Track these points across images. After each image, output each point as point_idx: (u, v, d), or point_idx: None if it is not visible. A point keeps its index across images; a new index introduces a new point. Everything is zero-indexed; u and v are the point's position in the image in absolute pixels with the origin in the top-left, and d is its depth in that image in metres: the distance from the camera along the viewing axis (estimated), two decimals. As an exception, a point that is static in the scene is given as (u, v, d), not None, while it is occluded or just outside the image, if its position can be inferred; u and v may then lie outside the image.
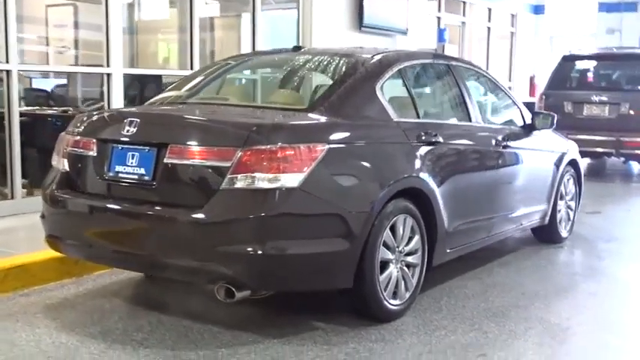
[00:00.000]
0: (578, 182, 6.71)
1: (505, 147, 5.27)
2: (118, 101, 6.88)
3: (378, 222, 3.89)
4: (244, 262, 3.48)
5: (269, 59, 4.92)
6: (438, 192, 4.37)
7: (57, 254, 4.75)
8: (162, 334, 3.87)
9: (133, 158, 3.82)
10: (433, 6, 12.70)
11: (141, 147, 3.80)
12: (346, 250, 3.74)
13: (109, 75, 6.90)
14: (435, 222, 4.39)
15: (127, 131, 3.81)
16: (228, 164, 3.50)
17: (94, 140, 4.00)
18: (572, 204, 6.68)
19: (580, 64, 11.65)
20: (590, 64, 11.63)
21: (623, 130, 10.37)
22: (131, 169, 3.82)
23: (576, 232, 6.77)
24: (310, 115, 3.91)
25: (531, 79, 15.80)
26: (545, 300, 4.72)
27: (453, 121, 5.00)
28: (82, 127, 4.15)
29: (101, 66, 7.03)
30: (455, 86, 5.08)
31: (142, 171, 3.78)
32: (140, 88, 7.90)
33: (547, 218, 6.16)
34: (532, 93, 15.41)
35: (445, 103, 5.17)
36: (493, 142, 5.18)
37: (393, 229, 4.05)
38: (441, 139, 4.48)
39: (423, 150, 4.34)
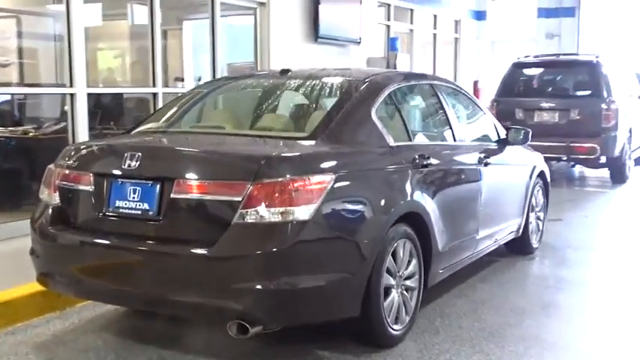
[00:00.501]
0: (545, 193, 6.89)
1: (486, 164, 5.37)
2: (82, 123, 6.71)
3: (382, 248, 3.91)
4: (259, 298, 3.45)
5: (258, 83, 4.88)
6: (432, 214, 4.43)
7: (38, 288, 4.63)
8: (169, 372, 3.81)
9: (134, 193, 3.73)
10: (381, 14, 12.82)
11: (143, 181, 3.72)
12: (355, 278, 3.76)
13: (72, 95, 6.71)
14: (431, 244, 4.45)
15: (128, 165, 3.73)
16: (238, 198, 3.46)
17: (91, 174, 3.89)
18: (541, 215, 6.86)
19: (529, 71, 11.95)
20: (539, 71, 11.94)
21: (572, 136, 10.67)
22: (133, 204, 3.74)
23: (544, 241, 6.95)
24: (313, 143, 3.89)
25: (475, 84, 16.09)
26: (535, 317, 4.83)
27: (441, 141, 5.07)
28: (75, 160, 4.04)
29: (63, 86, 6.84)
30: (439, 106, 5.16)
31: (146, 206, 3.70)
32: (100, 106, 7.71)
33: (520, 230, 6.31)
34: (476, 97, 15.73)
35: (432, 123, 5.23)
36: (476, 159, 5.27)
37: (394, 254, 4.08)
38: (432, 162, 4.54)
39: (418, 173, 4.38)
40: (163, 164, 3.76)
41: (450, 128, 5.15)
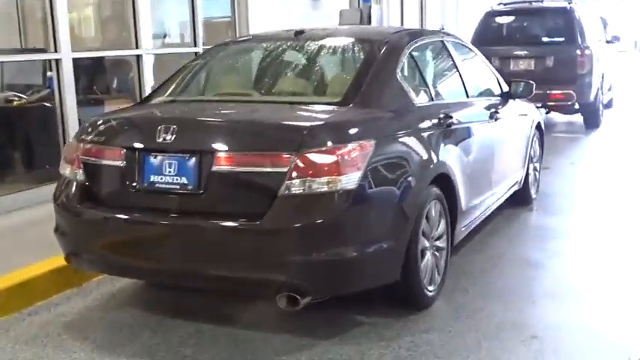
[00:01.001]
0: (541, 143, 6.98)
1: (496, 119, 5.39)
2: (69, 89, 6.49)
3: (420, 211, 3.92)
4: (310, 269, 3.44)
5: (275, 46, 4.75)
6: (457, 173, 4.44)
7: (53, 265, 4.56)
8: (211, 346, 3.78)
9: (170, 167, 3.64)
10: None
11: (180, 155, 3.63)
12: (398, 243, 3.78)
13: (57, 61, 6.47)
14: (456, 203, 4.47)
15: (164, 138, 3.63)
16: (284, 169, 3.41)
17: (121, 149, 3.78)
18: (537, 165, 6.96)
19: (503, 19, 11.97)
20: (513, 19, 11.97)
21: (549, 83, 10.77)
22: (169, 178, 3.65)
23: (540, 190, 7.06)
24: (348, 109, 3.84)
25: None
26: (554, 271, 4.93)
27: (457, 99, 5.06)
28: (101, 134, 3.91)
29: (44, 51, 6.60)
30: (452, 63, 5.14)
31: (184, 180, 3.62)
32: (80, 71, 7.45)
33: (522, 182, 6.39)
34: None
35: (447, 81, 5.20)
36: (488, 115, 5.29)
37: (427, 216, 4.09)
38: (454, 120, 4.54)
39: (443, 133, 4.38)
40: (201, 137, 3.67)
41: (463, 84, 5.15)
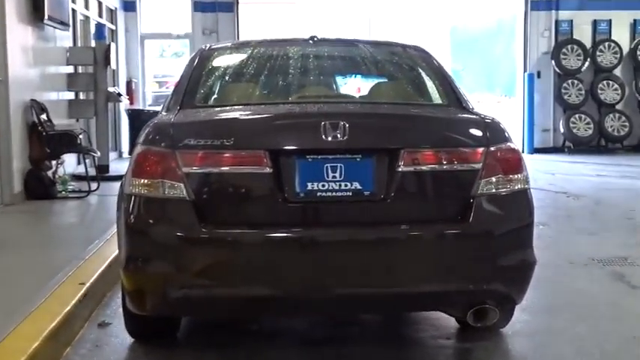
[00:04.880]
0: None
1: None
2: None
3: None
4: (520, 275, 3.38)
5: (313, 51, 4.39)
6: None
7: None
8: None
9: (335, 171, 3.23)
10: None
11: (349, 156, 3.25)
12: None
13: None
14: None
15: (333, 137, 3.20)
16: (477, 166, 3.30)
17: (264, 152, 3.21)
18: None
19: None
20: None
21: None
22: (335, 184, 3.23)
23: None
24: (470, 112, 3.82)
25: (129, 84, 15.68)
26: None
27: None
28: (220, 137, 3.25)
29: None
30: None
31: (357, 185, 3.24)
32: None
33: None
34: (131, 100, 15.30)
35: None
36: None
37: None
38: None
39: None
40: (381, 134, 3.37)
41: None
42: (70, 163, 10.01)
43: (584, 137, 14.75)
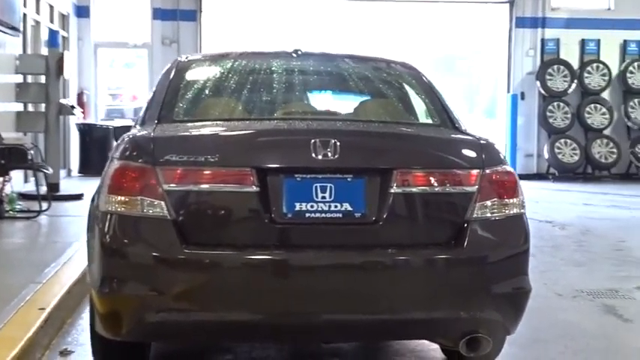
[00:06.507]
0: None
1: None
2: None
3: None
4: (515, 304, 3.51)
5: (297, 65, 4.51)
6: None
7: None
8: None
9: (324, 191, 3.35)
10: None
11: (339, 176, 3.38)
12: None
13: None
14: None
15: (322, 156, 3.32)
16: (472, 189, 3.45)
17: (250, 170, 3.33)
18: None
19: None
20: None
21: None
22: (324, 205, 3.35)
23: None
24: (463, 133, 3.96)
25: (80, 96, 15.60)
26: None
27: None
28: (205, 153, 3.35)
29: None
30: None
31: (347, 207, 3.36)
32: None
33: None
34: (85, 113, 15.25)
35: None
36: None
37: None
38: None
39: None
40: (374, 153, 3.49)
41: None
42: (17, 181, 9.98)
43: (570, 164, 15.01)
